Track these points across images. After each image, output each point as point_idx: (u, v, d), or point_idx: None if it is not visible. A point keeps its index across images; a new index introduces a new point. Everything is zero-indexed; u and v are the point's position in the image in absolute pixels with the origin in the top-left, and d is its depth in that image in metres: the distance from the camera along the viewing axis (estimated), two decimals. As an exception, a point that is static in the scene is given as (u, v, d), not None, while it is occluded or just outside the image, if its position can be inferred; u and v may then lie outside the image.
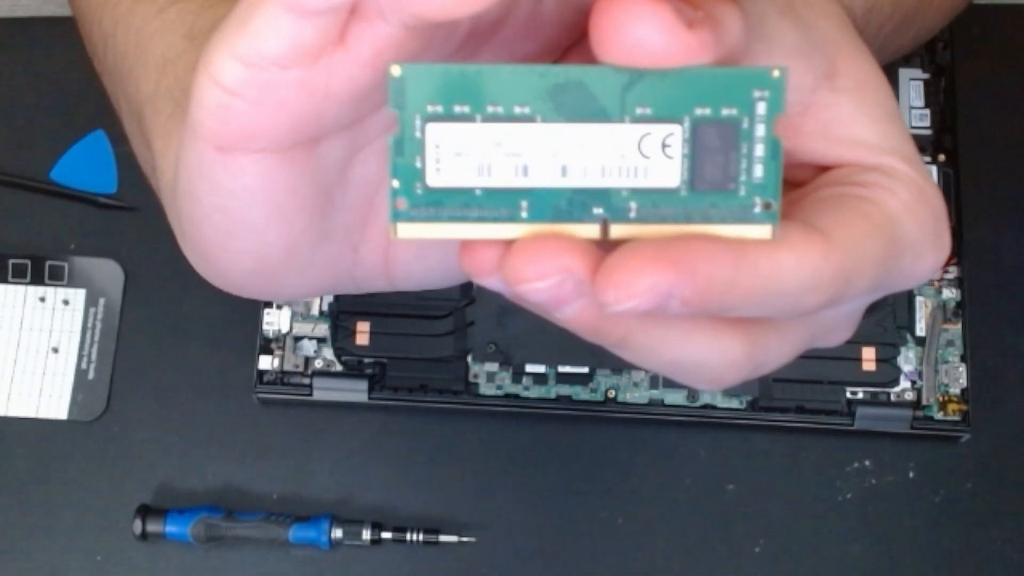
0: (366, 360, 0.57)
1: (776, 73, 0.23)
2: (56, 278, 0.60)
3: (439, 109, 0.23)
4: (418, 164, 0.23)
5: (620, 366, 0.56)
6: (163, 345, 0.60)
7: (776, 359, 0.26)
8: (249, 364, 0.57)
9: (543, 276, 0.22)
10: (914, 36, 0.47)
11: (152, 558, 0.57)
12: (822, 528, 0.57)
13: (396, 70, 0.23)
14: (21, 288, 0.60)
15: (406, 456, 0.58)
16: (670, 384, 0.56)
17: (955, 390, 0.56)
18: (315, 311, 0.57)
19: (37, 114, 0.63)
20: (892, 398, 0.56)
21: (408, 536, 0.56)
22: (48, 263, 0.60)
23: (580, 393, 0.57)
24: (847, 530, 0.57)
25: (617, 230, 0.23)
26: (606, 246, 0.23)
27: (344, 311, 0.57)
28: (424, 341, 0.57)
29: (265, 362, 0.57)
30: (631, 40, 0.22)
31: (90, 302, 0.60)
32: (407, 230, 0.23)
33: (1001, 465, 0.58)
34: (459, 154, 0.23)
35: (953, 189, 0.58)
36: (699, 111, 0.23)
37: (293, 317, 0.57)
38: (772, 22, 0.25)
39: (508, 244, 0.23)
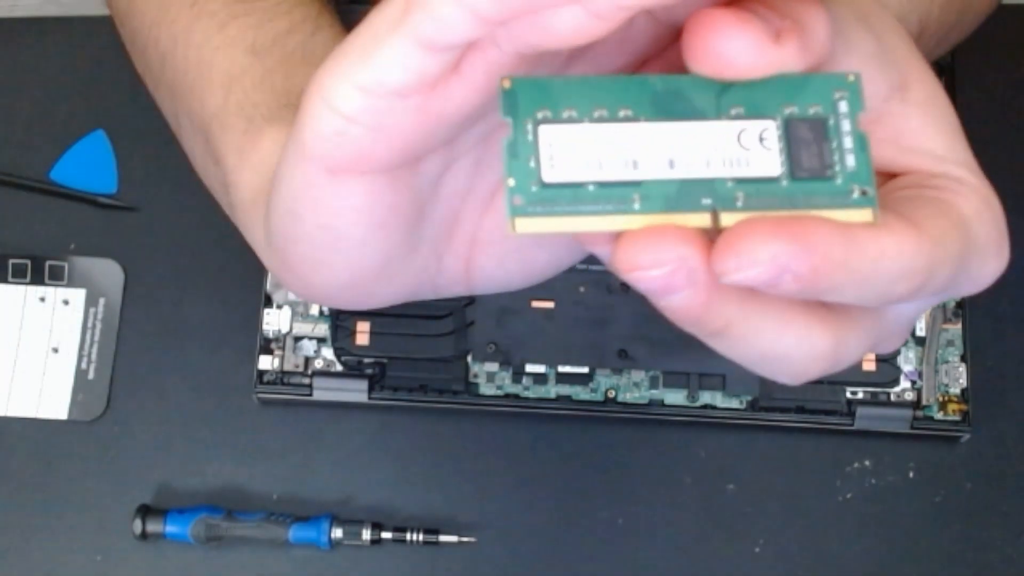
0: (366, 360, 0.57)
1: (851, 77, 0.25)
2: (56, 278, 0.60)
3: (548, 114, 0.24)
4: (532, 164, 0.24)
5: (620, 366, 0.56)
6: (163, 345, 0.60)
7: (852, 356, 0.27)
8: (249, 364, 0.57)
9: (657, 264, 0.23)
10: (939, 53, 0.50)
11: (152, 558, 0.57)
12: (822, 528, 0.57)
13: (507, 83, 0.24)
14: (21, 288, 0.60)
15: (406, 456, 0.58)
16: (670, 384, 0.56)
17: (955, 390, 0.56)
18: (315, 311, 0.57)
19: (37, 114, 0.63)
20: (892, 398, 0.56)
21: (408, 536, 0.56)
22: (48, 263, 0.60)
23: (580, 393, 0.57)
24: (847, 530, 0.57)
25: (727, 218, 0.24)
26: (716, 235, 0.23)
27: (344, 311, 0.57)
28: (424, 341, 0.57)
29: (265, 362, 0.57)
30: (723, 56, 0.23)
31: (90, 302, 0.60)
32: (525, 224, 0.24)
33: (1001, 465, 0.58)
34: (571, 151, 0.24)
35: (953, 189, 0.58)
36: (788, 110, 0.25)
37: (293, 317, 0.57)
38: (851, 28, 0.26)
39: (618, 235, 0.24)
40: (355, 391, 0.56)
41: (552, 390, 0.57)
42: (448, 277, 0.32)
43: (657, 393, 0.57)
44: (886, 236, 0.24)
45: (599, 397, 0.57)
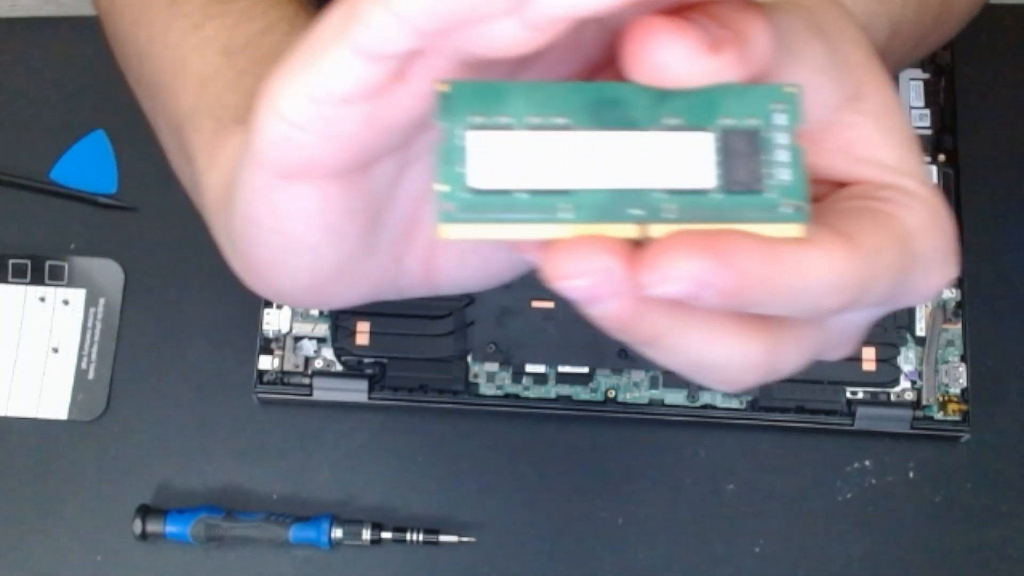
0: (366, 360, 0.57)
1: (791, 89, 0.25)
2: (56, 278, 0.60)
3: (481, 120, 0.24)
4: (461, 169, 0.24)
5: (620, 366, 0.56)
6: (163, 345, 0.60)
7: (790, 364, 0.27)
8: (249, 364, 0.57)
9: (582, 274, 0.23)
10: (921, 54, 0.49)
11: (152, 558, 0.57)
12: (822, 528, 0.57)
13: (443, 86, 0.24)
14: (21, 288, 0.60)
15: (406, 456, 0.58)
16: (670, 384, 0.56)
17: (955, 390, 0.56)
18: (315, 311, 0.57)
19: (37, 114, 0.63)
20: (892, 398, 0.56)
21: (408, 536, 0.56)
22: (48, 263, 0.60)
23: (580, 393, 0.57)
24: (847, 530, 0.57)
25: (655, 229, 0.24)
26: (644, 246, 0.24)
27: (344, 311, 0.57)
28: (424, 341, 0.57)
29: (265, 362, 0.57)
30: (658, 64, 0.23)
31: (90, 302, 0.60)
32: (452, 231, 0.24)
33: (1001, 465, 0.58)
34: (501, 158, 0.24)
35: (953, 189, 0.58)
36: (724, 121, 0.24)
37: (293, 317, 0.57)
38: (803, 39, 0.26)
39: (546, 243, 0.24)
40: (355, 391, 0.56)
41: (552, 390, 0.57)
42: (409, 278, 0.32)
43: (657, 393, 0.57)
44: (813, 251, 0.24)
45: (599, 397, 0.57)
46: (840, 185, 0.27)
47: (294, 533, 0.56)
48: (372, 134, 0.26)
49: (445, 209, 0.24)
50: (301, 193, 0.28)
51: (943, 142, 0.59)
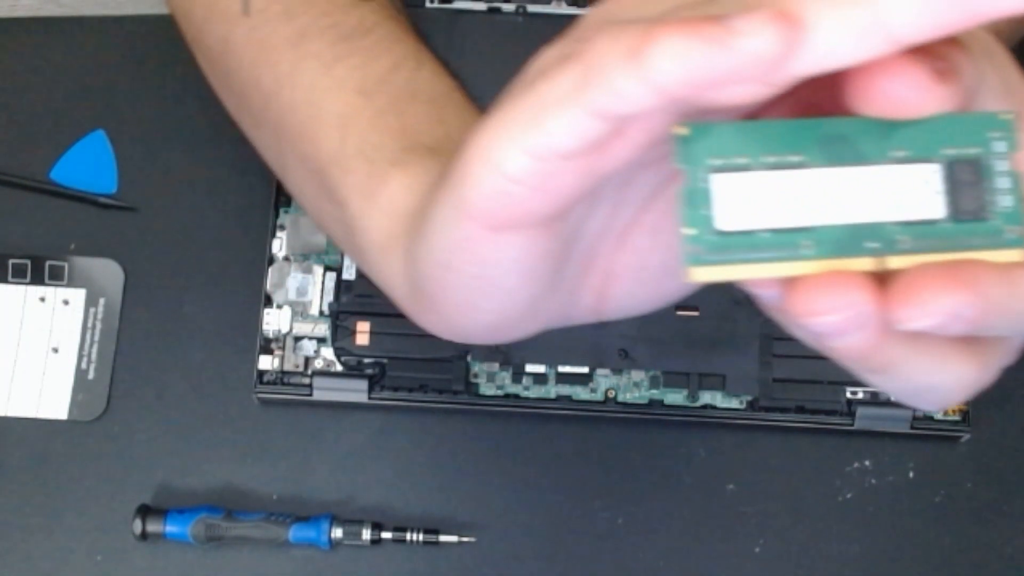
0: (366, 360, 0.57)
1: (1006, 116, 0.26)
2: (56, 278, 0.60)
3: (721, 162, 0.25)
4: (705, 212, 0.25)
5: (620, 366, 0.56)
6: (163, 345, 0.60)
7: (989, 379, 0.28)
8: (249, 364, 0.57)
9: (833, 310, 0.24)
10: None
11: (152, 558, 0.57)
12: (822, 528, 0.57)
13: (682, 130, 0.25)
14: (21, 288, 0.60)
15: (406, 456, 0.58)
16: (670, 384, 0.56)
17: (955, 390, 0.56)
18: (315, 311, 0.57)
19: (37, 114, 0.63)
20: (892, 398, 0.56)
21: (408, 536, 0.56)
22: (48, 263, 0.60)
23: (580, 393, 0.57)
24: (847, 530, 0.57)
25: (891, 261, 0.25)
26: (886, 280, 0.25)
27: (344, 311, 0.57)
28: (424, 341, 0.57)
29: (265, 362, 0.57)
30: (892, 95, 0.24)
31: (90, 302, 0.60)
32: (701, 273, 0.25)
33: (1001, 465, 0.58)
34: (744, 200, 0.25)
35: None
36: (947, 151, 0.25)
37: (293, 317, 0.57)
38: (983, 66, 0.27)
39: (789, 279, 0.25)
40: (355, 391, 0.56)
41: (552, 390, 0.57)
42: (581, 310, 0.33)
43: (657, 393, 0.57)
44: None
45: (599, 397, 0.57)
46: None
47: (294, 533, 0.56)
48: (584, 185, 0.27)
49: (694, 252, 0.25)
50: (508, 242, 0.28)
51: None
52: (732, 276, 0.25)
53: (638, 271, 0.32)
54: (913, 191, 0.25)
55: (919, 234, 0.25)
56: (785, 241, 0.25)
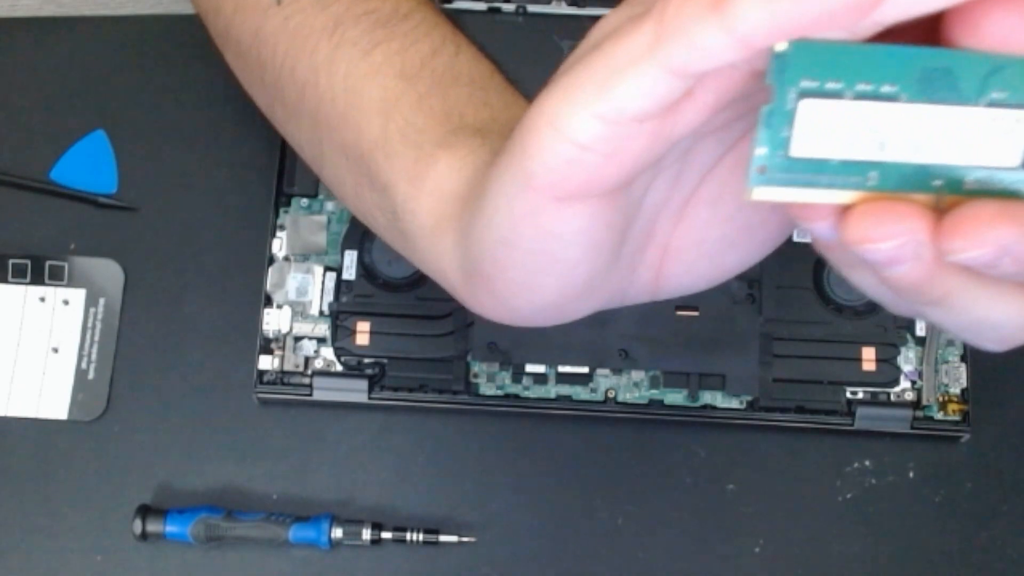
0: (366, 360, 0.57)
1: None
2: (56, 278, 0.60)
3: (813, 85, 0.24)
4: (784, 134, 0.24)
5: (620, 366, 0.56)
6: (163, 345, 0.60)
7: None
8: (249, 364, 0.57)
9: (888, 237, 0.24)
10: None
11: (152, 558, 0.57)
12: (822, 528, 0.57)
13: (782, 46, 0.24)
14: (21, 288, 0.60)
15: (406, 456, 0.58)
16: (670, 384, 0.56)
17: (955, 390, 0.56)
18: (315, 311, 0.57)
19: (37, 114, 0.63)
20: (892, 398, 0.56)
21: (408, 536, 0.56)
22: (48, 263, 0.60)
23: (580, 393, 0.57)
24: (847, 530, 0.57)
25: (951, 200, 0.25)
26: (943, 212, 0.24)
27: (344, 311, 0.57)
28: (424, 341, 0.57)
29: (265, 362, 0.57)
30: (1005, 30, 0.23)
31: (90, 302, 0.60)
32: (763, 193, 0.25)
33: (1001, 465, 0.58)
34: (824, 128, 0.24)
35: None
36: None
37: (293, 317, 0.57)
38: None
39: (844, 207, 0.25)
40: (355, 391, 0.56)
41: (552, 390, 0.57)
42: (638, 287, 0.33)
43: (657, 393, 0.57)
44: None
45: (599, 397, 0.57)
46: None
47: (294, 533, 0.56)
48: (653, 150, 0.26)
49: (760, 172, 0.24)
50: (573, 213, 0.28)
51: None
52: (790, 198, 0.25)
53: (697, 245, 0.32)
54: (995, 137, 0.25)
55: (985, 178, 0.25)
56: (852, 171, 0.25)
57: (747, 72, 0.25)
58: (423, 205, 0.37)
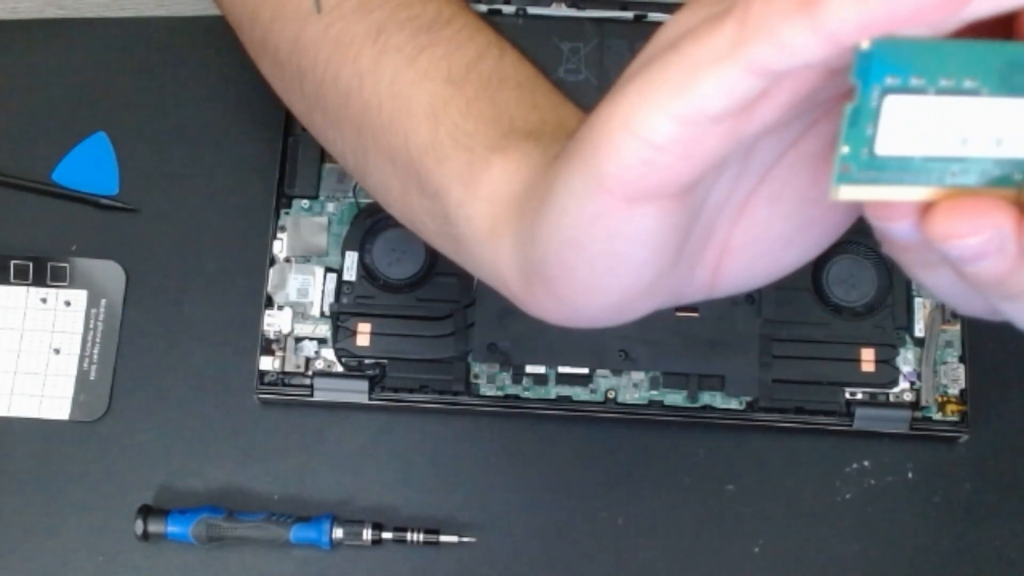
0: (367, 361, 0.57)
1: None
2: (58, 279, 0.60)
3: (897, 82, 0.24)
4: (869, 132, 0.24)
5: (620, 367, 0.57)
6: (164, 346, 0.60)
7: None
8: (250, 365, 0.57)
9: (974, 233, 0.24)
10: None
11: (153, 558, 0.57)
12: (822, 528, 0.57)
13: (865, 44, 0.24)
14: (23, 289, 0.60)
15: (406, 456, 0.58)
16: (670, 384, 0.56)
17: (954, 391, 0.57)
18: (316, 312, 0.57)
19: (39, 116, 0.63)
20: (891, 399, 0.56)
21: (408, 536, 0.56)
22: (50, 264, 0.60)
23: (580, 393, 0.57)
24: (847, 530, 0.57)
25: None
26: (1020, 207, 0.25)
27: (345, 312, 0.57)
28: (424, 342, 0.57)
29: (266, 363, 0.57)
30: None
31: (91, 303, 0.60)
32: (848, 192, 0.25)
33: (1000, 465, 0.58)
34: (908, 125, 0.24)
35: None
36: None
37: (294, 318, 0.57)
38: None
39: (925, 204, 0.25)
40: (356, 392, 0.57)
41: (552, 391, 0.57)
42: (695, 286, 0.33)
43: (657, 394, 0.57)
44: None
45: (599, 398, 0.57)
46: None
47: (295, 533, 0.56)
48: (725, 150, 0.26)
49: (845, 171, 0.24)
50: (643, 213, 0.28)
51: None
52: (874, 197, 0.25)
53: (755, 244, 0.32)
54: None
55: None
56: (935, 167, 0.25)
57: (822, 71, 0.25)
58: (479, 210, 0.37)
